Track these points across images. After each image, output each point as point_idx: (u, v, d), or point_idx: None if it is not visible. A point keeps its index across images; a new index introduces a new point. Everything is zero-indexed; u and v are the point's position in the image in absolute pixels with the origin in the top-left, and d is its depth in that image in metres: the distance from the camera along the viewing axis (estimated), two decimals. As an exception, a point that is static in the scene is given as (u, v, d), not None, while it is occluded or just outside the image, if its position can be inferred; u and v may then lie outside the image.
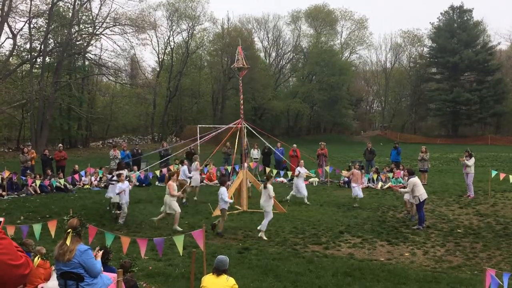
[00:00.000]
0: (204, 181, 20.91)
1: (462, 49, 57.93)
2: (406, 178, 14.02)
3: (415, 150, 29.24)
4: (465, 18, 61.49)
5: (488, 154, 35.55)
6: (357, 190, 15.28)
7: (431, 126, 70.17)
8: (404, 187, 13.89)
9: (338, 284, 8.06)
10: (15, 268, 2.48)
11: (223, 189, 11.85)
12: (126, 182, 13.00)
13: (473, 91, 58.44)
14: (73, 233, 5.69)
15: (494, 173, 17.00)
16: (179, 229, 11.86)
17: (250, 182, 15.38)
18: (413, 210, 13.05)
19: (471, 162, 16.70)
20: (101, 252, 6.51)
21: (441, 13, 63.30)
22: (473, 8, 61.32)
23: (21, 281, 2.57)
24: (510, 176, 16.22)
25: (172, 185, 12.49)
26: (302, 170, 16.61)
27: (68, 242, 5.65)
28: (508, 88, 60.22)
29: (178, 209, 12.31)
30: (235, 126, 15.44)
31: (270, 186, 11.66)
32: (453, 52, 58.06)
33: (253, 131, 15.63)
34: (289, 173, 20.80)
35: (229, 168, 21.72)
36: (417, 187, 12.31)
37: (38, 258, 6.87)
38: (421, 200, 12.24)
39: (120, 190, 12.65)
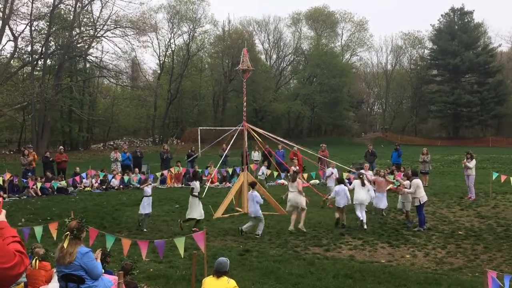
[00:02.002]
0: (206, 183, 20.92)
1: (463, 51, 57.95)
2: (404, 179, 13.90)
3: (416, 152, 29.22)
4: (466, 20, 61.53)
5: (489, 156, 35.51)
6: (380, 200, 13.94)
7: (432, 128, 70.14)
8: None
9: (339, 286, 8.05)
10: (8, 270, 2.48)
11: (344, 187, 12.59)
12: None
13: (474, 93, 58.44)
14: (71, 236, 5.70)
15: (495, 175, 16.98)
16: (304, 229, 11.95)
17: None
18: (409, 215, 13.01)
19: (472, 164, 16.69)
20: (100, 252, 6.50)
21: (441, 15, 63.39)
22: (473, 10, 61.44)
23: (14, 280, 2.58)
24: (511, 178, 16.20)
25: (300, 182, 12.52)
26: (368, 174, 15.64)
27: (65, 244, 5.66)
28: (509, 90, 60.24)
29: (304, 205, 12.34)
30: (241, 128, 15.30)
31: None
32: (454, 54, 58.08)
33: (255, 135, 15.50)
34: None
35: (230, 170, 21.77)
36: (419, 189, 12.32)
37: (36, 261, 6.85)
38: (421, 202, 12.25)
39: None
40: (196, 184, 12.25)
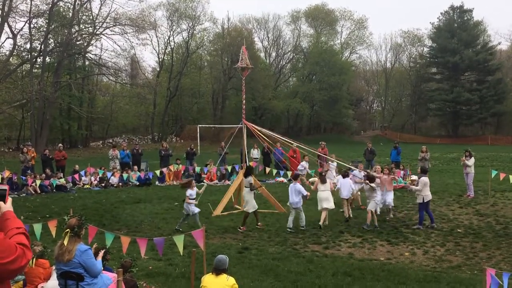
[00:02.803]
0: (204, 180, 20.93)
1: (462, 49, 57.89)
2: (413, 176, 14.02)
3: (415, 150, 29.23)
4: (465, 18, 61.46)
5: (488, 154, 35.53)
6: (379, 198, 13.01)
7: (431, 126, 70.13)
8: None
9: (338, 284, 8.06)
10: (8, 264, 2.48)
11: (349, 180, 13.57)
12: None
13: (474, 91, 58.41)
14: (71, 233, 5.69)
15: (494, 173, 16.98)
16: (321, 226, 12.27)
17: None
18: (368, 218, 12.34)
19: (471, 162, 16.69)
20: (102, 252, 6.52)
21: (441, 13, 63.27)
22: (473, 8, 61.34)
23: (16, 274, 2.59)
24: (510, 176, 16.19)
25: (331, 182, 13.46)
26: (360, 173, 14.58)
27: (65, 242, 5.66)
28: (508, 88, 60.18)
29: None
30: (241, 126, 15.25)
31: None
32: (453, 52, 58.02)
33: (258, 131, 15.45)
34: (289, 173, 20.78)
35: (229, 168, 21.76)
36: (426, 187, 12.31)
37: (33, 258, 6.83)
38: (425, 201, 12.24)
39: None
40: (251, 179, 12.71)
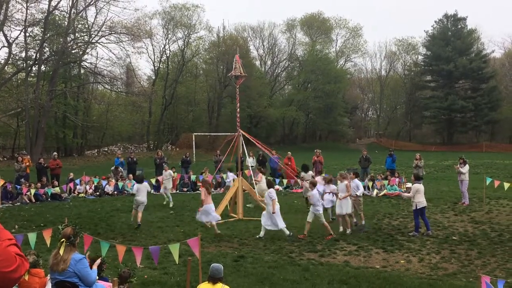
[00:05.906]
0: (200, 189, 20.87)
1: (456, 57, 58.31)
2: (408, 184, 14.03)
3: (410, 158, 29.31)
4: (459, 26, 62.01)
5: (483, 161, 35.68)
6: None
7: (426, 133, 70.49)
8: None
9: (334, 292, 8.04)
10: (8, 273, 2.49)
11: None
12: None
13: (468, 99, 58.80)
14: (66, 243, 5.68)
15: (488, 180, 17.05)
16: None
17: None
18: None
19: (465, 169, 16.75)
20: (99, 260, 6.50)
21: (435, 21, 63.90)
22: (467, 16, 62.03)
23: (13, 283, 2.59)
24: (504, 183, 16.25)
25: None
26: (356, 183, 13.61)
27: (61, 251, 5.64)
28: (502, 96, 60.67)
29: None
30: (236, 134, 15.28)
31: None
32: (448, 60, 58.43)
33: (250, 140, 15.49)
34: (285, 181, 20.80)
35: (224, 176, 21.73)
36: (418, 194, 12.29)
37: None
38: (417, 207, 12.23)
39: None
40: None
